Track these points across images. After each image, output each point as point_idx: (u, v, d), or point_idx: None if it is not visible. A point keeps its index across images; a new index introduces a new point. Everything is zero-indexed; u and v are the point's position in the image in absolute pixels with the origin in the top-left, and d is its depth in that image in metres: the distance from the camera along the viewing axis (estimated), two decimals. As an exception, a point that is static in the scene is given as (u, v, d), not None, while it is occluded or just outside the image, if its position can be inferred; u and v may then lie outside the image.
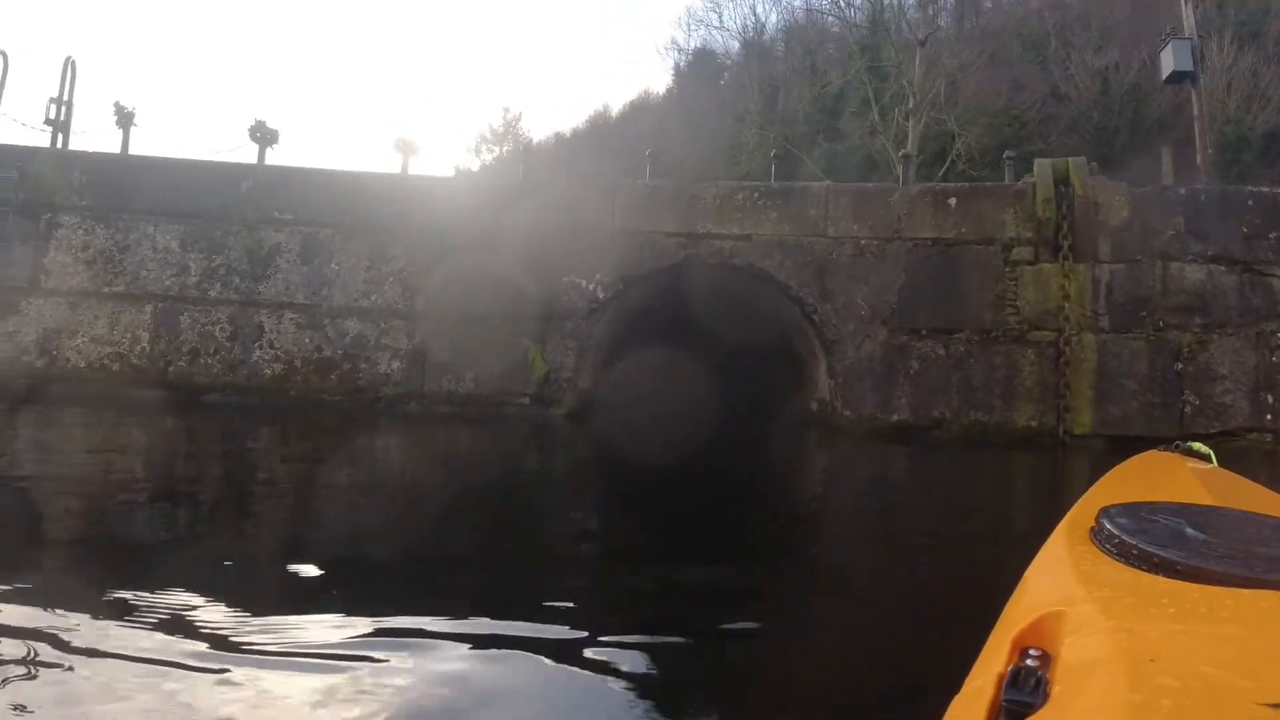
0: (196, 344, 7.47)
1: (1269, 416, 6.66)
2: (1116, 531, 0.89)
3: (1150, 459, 1.72)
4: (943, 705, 0.71)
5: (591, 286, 7.64)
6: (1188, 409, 6.82)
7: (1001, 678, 0.64)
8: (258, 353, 7.48)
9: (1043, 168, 7.33)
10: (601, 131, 33.74)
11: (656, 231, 7.64)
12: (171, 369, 7.43)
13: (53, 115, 7.96)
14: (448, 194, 7.79)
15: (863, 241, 7.42)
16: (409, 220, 7.66)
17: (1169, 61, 10.74)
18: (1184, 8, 10.79)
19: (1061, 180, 7.19)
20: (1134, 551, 0.84)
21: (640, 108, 35.18)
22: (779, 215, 7.55)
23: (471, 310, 7.56)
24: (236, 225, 7.61)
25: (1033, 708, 0.60)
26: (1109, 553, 0.88)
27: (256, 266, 7.58)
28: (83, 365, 7.37)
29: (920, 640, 1.90)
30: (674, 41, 39.34)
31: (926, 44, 19.35)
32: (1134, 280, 7.04)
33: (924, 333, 7.31)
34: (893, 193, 7.54)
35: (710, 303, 8.52)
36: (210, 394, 7.39)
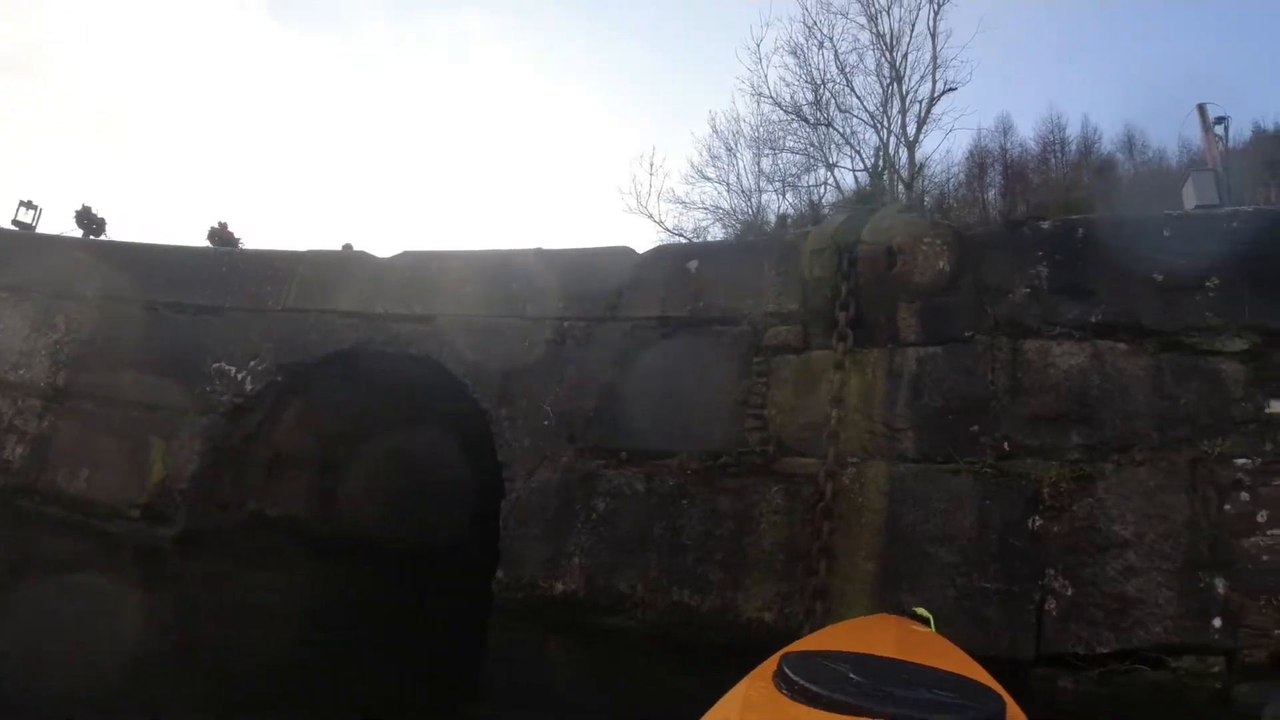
0: None
1: (1217, 621, 3.01)
2: (788, 670, 1.17)
3: (872, 620, 2.04)
4: None
5: (241, 376, 5.70)
6: (1052, 606, 3.31)
7: None
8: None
9: (836, 212, 4.75)
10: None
11: (329, 311, 5.72)
12: None
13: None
14: (122, 259, 6.52)
15: (566, 323, 5.01)
16: (77, 287, 6.42)
17: (1190, 197, 7.82)
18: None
19: (856, 227, 4.52)
20: (796, 686, 1.09)
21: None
22: (474, 291, 5.41)
23: (113, 393, 5.90)
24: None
25: None
26: (778, 688, 1.14)
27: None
28: None
29: None
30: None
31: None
32: (960, 372, 3.95)
33: (624, 456, 4.49)
34: (617, 256, 5.19)
35: (403, 407, 6.22)
36: None
